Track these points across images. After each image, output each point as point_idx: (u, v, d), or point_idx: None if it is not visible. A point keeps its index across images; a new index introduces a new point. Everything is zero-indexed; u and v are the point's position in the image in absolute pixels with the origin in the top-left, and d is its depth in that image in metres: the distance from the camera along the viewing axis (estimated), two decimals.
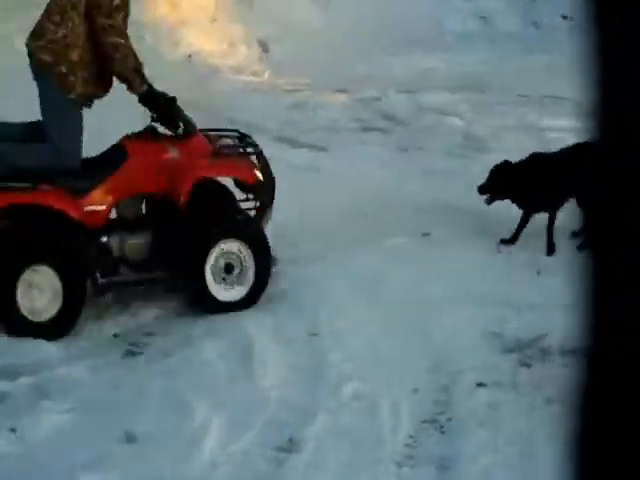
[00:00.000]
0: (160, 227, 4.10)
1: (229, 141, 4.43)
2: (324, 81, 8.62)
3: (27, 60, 4.01)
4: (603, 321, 0.99)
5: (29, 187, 3.81)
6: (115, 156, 4.05)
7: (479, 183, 4.98)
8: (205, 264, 4.07)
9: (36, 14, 4.10)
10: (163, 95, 4.05)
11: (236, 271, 4.15)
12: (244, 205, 4.35)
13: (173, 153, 4.08)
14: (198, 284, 4.08)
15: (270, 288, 4.24)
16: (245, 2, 10.54)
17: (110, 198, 3.99)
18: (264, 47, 9.87)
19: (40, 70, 3.96)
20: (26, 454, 3.00)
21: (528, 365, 3.65)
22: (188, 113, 4.16)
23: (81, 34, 3.91)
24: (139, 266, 4.06)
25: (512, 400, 3.36)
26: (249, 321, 3.99)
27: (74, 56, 3.91)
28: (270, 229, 4.36)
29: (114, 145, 4.12)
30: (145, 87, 3.98)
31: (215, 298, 4.10)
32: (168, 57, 8.70)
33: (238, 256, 4.15)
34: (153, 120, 4.09)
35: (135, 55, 3.96)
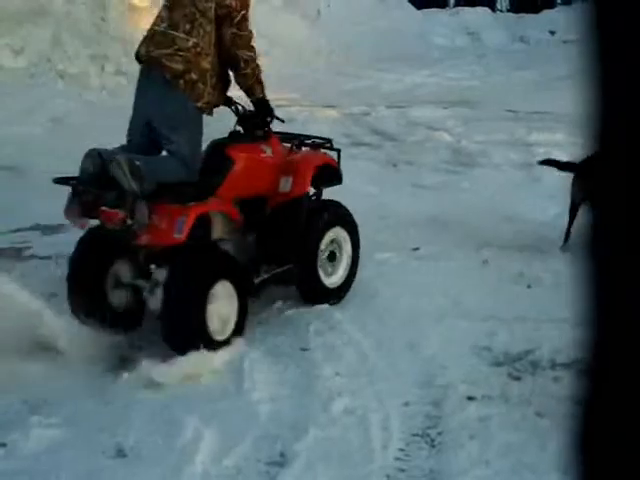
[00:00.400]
0: (267, 224, 4.20)
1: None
2: (313, 96, 8.67)
3: None
4: (607, 327, 0.99)
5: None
6: (221, 164, 4.06)
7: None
8: (317, 253, 4.29)
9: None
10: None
11: (337, 258, 4.40)
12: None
13: (267, 152, 4.23)
14: (311, 273, 4.27)
15: (260, 303, 4.24)
16: None
17: (226, 204, 4.04)
18: None
19: (168, 78, 3.89)
20: (16, 469, 2.98)
21: (518, 378, 3.66)
22: None
23: (211, 42, 3.92)
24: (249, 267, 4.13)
25: (502, 413, 3.36)
26: (239, 335, 3.98)
27: (205, 64, 3.91)
28: None
29: (213, 153, 4.12)
30: (262, 94, 4.12)
31: (324, 285, 4.33)
32: None
33: (339, 244, 4.40)
34: (244, 123, 4.22)
35: (259, 65, 4.07)
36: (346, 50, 10.40)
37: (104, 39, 8.40)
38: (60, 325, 3.74)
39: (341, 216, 4.45)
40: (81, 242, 3.98)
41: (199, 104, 3.92)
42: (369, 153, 7.17)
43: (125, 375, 3.67)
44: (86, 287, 3.92)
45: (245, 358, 3.75)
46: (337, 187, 5.89)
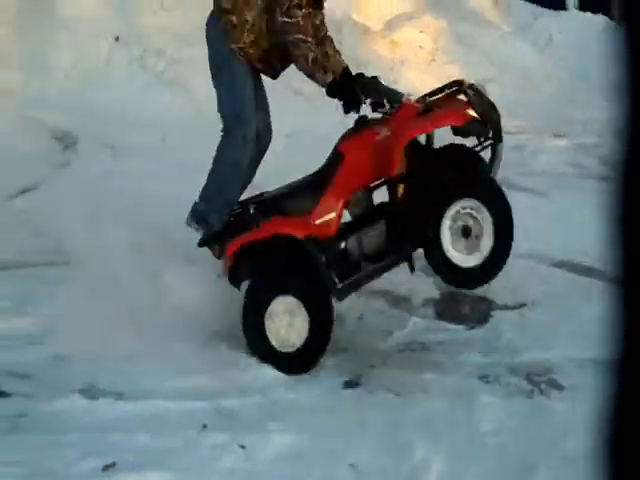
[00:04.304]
0: (389, 209, 3.99)
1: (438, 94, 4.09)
2: (542, 124, 8.49)
3: None
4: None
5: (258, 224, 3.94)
6: (331, 161, 4.03)
7: None
8: (440, 231, 3.81)
9: None
10: (360, 76, 3.92)
11: (474, 234, 3.85)
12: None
13: (383, 132, 3.90)
14: (437, 253, 3.85)
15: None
16: (464, 43, 10.58)
17: (337, 204, 3.95)
18: (482, 89, 9.85)
19: (217, 13, 4.07)
20: (254, 471, 3.12)
21: None
22: None
23: (260, 12, 3.99)
24: (377, 257, 3.98)
25: None
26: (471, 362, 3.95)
27: (248, 17, 3.99)
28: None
29: (331, 152, 4.07)
30: (329, 78, 3.86)
31: (457, 266, 3.85)
32: None
33: (474, 216, 3.84)
34: (348, 111, 3.93)
35: (315, 48, 3.87)
36: (578, 78, 10.11)
37: None
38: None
39: (474, 183, 3.90)
40: None
41: (233, 46, 3.99)
42: (602, 186, 6.91)
43: (354, 392, 3.75)
44: None
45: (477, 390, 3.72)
46: (572, 219, 5.72)
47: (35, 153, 6.64)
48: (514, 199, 6.39)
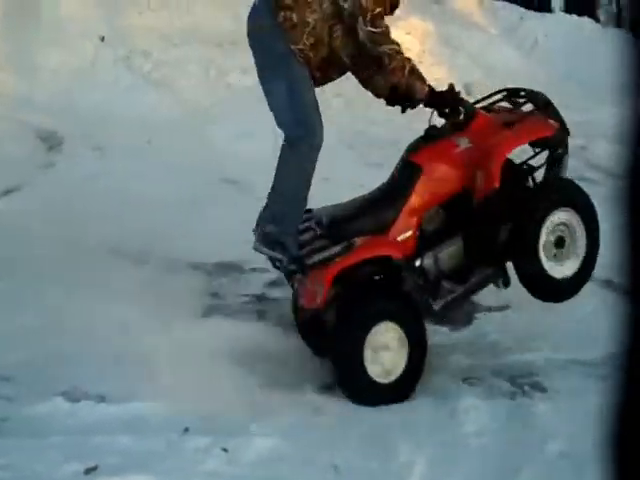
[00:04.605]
0: (469, 224, 3.80)
1: (505, 104, 4.05)
2: None
3: None
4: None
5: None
6: (405, 172, 3.81)
7: None
8: (538, 242, 3.70)
9: None
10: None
11: (567, 244, 3.78)
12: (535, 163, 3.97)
13: (463, 143, 3.79)
14: (533, 266, 3.73)
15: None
16: (451, 45, 10.60)
17: (414, 220, 3.76)
18: (468, 90, 9.88)
19: (273, 13, 3.63)
20: (237, 475, 3.11)
21: None
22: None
23: (324, 16, 3.64)
24: (457, 275, 3.82)
25: None
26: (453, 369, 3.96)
27: (310, 18, 3.61)
28: None
29: (402, 161, 3.87)
30: (427, 87, 3.70)
31: (552, 277, 3.75)
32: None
33: (568, 226, 3.77)
34: (444, 116, 3.81)
35: (409, 57, 3.67)
36: (564, 80, 10.15)
37: None
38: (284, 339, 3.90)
39: (570, 195, 3.80)
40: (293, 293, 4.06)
41: (293, 47, 3.58)
42: (590, 189, 6.94)
43: (335, 393, 3.75)
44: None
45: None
46: None
47: (19, 153, 6.61)
48: None
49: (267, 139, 6.96)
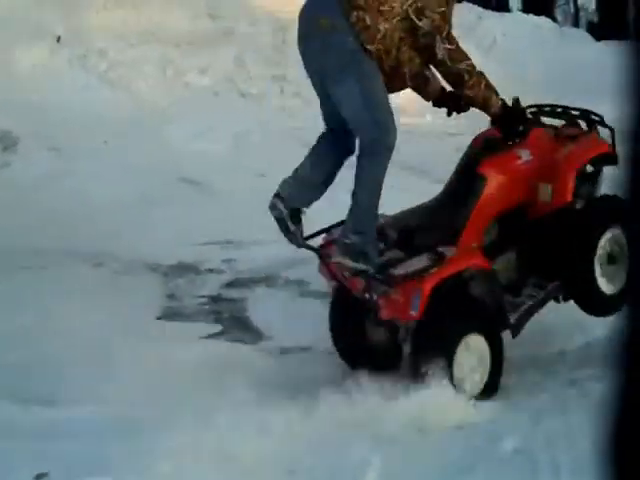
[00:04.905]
0: (529, 237, 3.80)
1: (549, 121, 4.08)
2: (484, 126, 8.57)
3: None
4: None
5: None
6: (471, 184, 3.76)
7: None
8: (594, 257, 3.76)
9: None
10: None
11: (617, 260, 3.83)
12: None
13: (524, 155, 3.79)
14: (587, 281, 3.78)
15: None
16: None
17: (480, 231, 3.75)
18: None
19: (344, 12, 3.51)
20: (191, 475, 3.07)
21: None
22: None
23: (395, 28, 3.55)
24: (508, 288, 3.81)
25: None
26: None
27: (381, 26, 3.51)
28: None
29: (462, 171, 3.83)
30: (500, 101, 3.71)
31: (604, 294, 3.80)
32: None
33: (618, 243, 3.81)
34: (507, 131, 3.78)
35: (482, 71, 3.68)
36: (521, 80, 10.22)
37: (284, 61, 8.65)
38: None
39: (620, 210, 3.72)
40: (332, 306, 4.00)
41: (367, 46, 3.49)
42: None
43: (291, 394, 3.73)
44: (345, 328, 3.95)
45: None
46: None
47: None
48: None
49: (225, 139, 6.98)
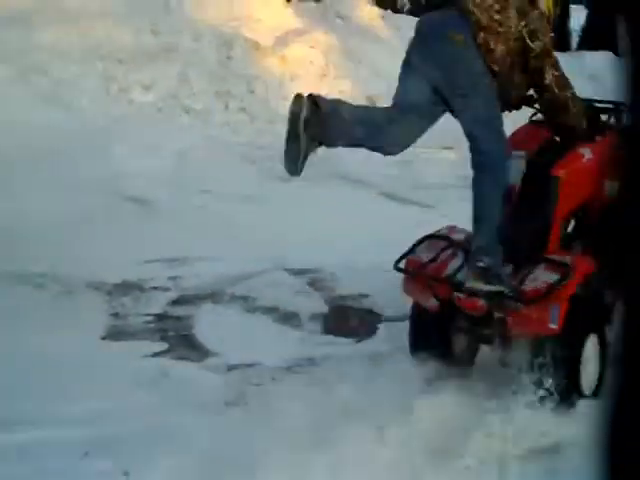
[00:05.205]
0: (599, 233, 3.78)
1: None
2: (430, 137, 8.66)
3: None
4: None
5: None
6: (545, 187, 3.79)
7: None
8: None
9: None
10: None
11: None
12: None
13: (587, 155, 3.87)
14: None
15: None
16: (354, 58, 10.71)
17: (559, 232, 3.80)
18: (372, 103, 9.99)
19: (476, 30, 3.63)
20: None
21: None
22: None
23: (509, 50, 3.67)
24: None
25: None
26: None
27: (498, 48, 3.63)
28: None
29: (531, 174, 3.83)
30: (585, 122, 3.83)
31: None
32: (278, 110, 8.90)
33: None
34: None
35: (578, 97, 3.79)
36: None
37: (229, 77, 8.64)
38: None
39: None
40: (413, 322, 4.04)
41: (495, 67, 3.62)
42: None
43: (238, 409, 3.71)
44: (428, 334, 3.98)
45: None
46: None
47: None
48: (403, 212, 6.55)
49: (169, 155, 6.94)
